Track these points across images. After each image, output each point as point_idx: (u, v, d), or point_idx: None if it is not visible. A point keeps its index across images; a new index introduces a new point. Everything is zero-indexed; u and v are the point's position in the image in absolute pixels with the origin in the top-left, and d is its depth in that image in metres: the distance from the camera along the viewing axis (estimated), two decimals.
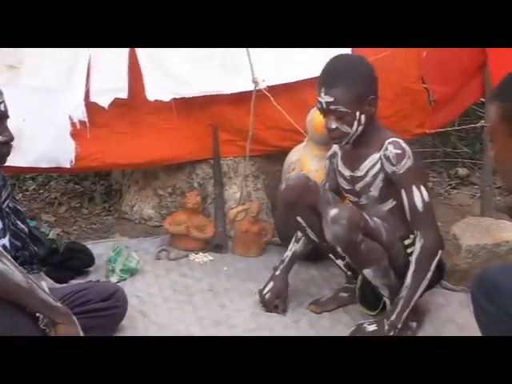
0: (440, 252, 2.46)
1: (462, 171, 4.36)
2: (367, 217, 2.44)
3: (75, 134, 3.28)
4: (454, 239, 2.89)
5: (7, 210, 2.24)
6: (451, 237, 2.90)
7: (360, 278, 2.61)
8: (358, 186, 2.52)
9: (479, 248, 2.82)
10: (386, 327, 2.42)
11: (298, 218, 2.61)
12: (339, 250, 2.42)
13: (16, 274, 1.89)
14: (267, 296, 2.71)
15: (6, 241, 2.15)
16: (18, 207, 2.32)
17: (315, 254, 2.80)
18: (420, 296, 2.47)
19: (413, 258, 2.42)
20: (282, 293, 2.72)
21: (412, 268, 2.42)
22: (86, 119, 3.26)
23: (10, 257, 1.92)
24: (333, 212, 2.37)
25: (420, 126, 3.40)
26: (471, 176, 4.31)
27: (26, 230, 2.30)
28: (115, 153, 3.39)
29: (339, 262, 2.67)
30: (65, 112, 3.25)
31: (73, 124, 3.26)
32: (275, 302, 2.69)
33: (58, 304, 1.98)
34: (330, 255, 2.67)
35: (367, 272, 2.49)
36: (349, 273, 2.70)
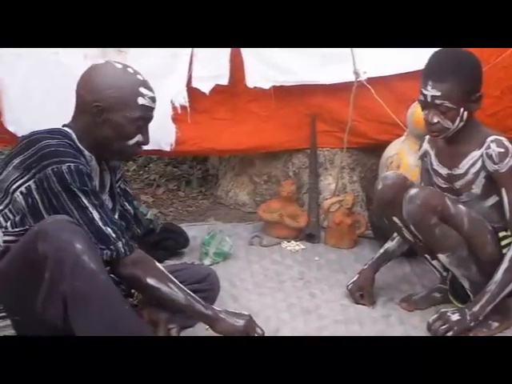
0: None
1: None
2: (450, 203, 2.41)
3: (176, 119, 3.35)
4: None
5: (118, 190, 2.33)
6: None
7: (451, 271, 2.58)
8: (458, 184, 2.48)
9: None
10: (468, 317, 2.41)
11: (394, 218, 2.58)
12: (412, 228, 2.43)
13: (179, 295, 2.10)
14: (349, 287, 2.72)
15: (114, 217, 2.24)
16: (128, 189, 2.40)
17: (410, 251, 2.76)
18: (508, 295, 2.42)
19: (507, 256, 2.40)
20: (364, 286, 2.71)
21: (505, 265, 2.39)
22: (188, 104, 3.32)
23: (174, 279, 2.12)
24: (412, 191, 2.40)
25: None
26: None
27: (132, 211, 2.38)
28: (214, 138, 3.44)
29: (435, 262, 2.63)
30: (167, 97, 3.32)
31: (174, 108, 3.33)
32: (357, 293, 2.69)
33: (210, 312, 2.14)
34: (426, 255, 2.63)
35: (442, 257, 2.48)
36: (444, 273, 2.66)
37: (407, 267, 2.99)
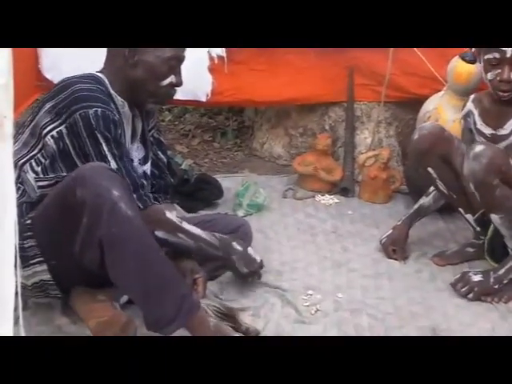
0: None
1: None
2: None
3: (213, 69, 3.34)
4: None
5: (151, 139, 2.34)
6: None
7: (491, 229, 2.54)
8: (502, 145, 2.43)
9: None
10: (492, 279, 2.39)
11: (429, 169, 2.55)
12: (471, 186, 2.35)
13: (188, 243, 2.16)
14: (382, 241, 2.71)
15: (146, 167, 2.26)
16: (161, 139, 2.42)
17: (443, 207, 2.74)
18: None
19: None
20: (398, 241, 2.70)
21: None
22: (225, 55, 3.30)
23: (189, 228, 2.17)
24: (478, 148, 2.31)
25: None
26: None
27: (165, 160, 2.39)
28: (250, 89, 3.43)
29: (468, 216, 2.60)
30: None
31: (211, 59, 3.32)
32: (390, 248, 2.69)
33: (220, 253, 2.24)
34: (460, 209, 2.61)
35: (494, 217, 2.42)
36: (478, 228, 2.63)
37: (441, 223, 2.97)
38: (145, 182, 2.20)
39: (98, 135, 2.01)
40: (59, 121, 2.02)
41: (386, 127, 3.49)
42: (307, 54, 3.33)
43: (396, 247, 2.70)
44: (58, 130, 2.02)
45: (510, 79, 2.32)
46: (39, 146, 2.07)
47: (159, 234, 2.11)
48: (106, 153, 2.03)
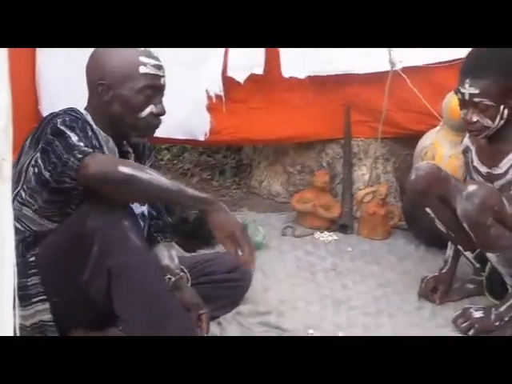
0: None
1: None
2: (506, 203, 2.36)
3: (211, 108, 3.36)
4: None
5: None
6: None
7: (488, 266, 2.54)
8: (498, 184, 2.43)
9: None
10: (493, 316, 2.38)
11: (427, 209, 2.55)
12: (466, 227, 2.35)
13: (161, 178, 1.97)
14: (426, 279, 2.66)
15: (144, 208, 2.25)
16: None
17: (442, 242, 2.73)
18: None
19: None
20: (444, 282, 2.65)
21: None
22: (223, 93, 3.33)
23: (150, 169, 2.05)
24: (470, 188, 2.32)
25: None
26: None
27: None
28: (248, 128, 3.45)
29: (468, 253, 2.59)
30: (202, 86, 3.34)
31: (209, 98, 3.35)
32: (431, 286, 2.64)
33: (206, 195, 2.06)
34: (459, 246, 2.60)
35: (490, 256, 2.42)
36: (477, 265, 2.63)
37: (441, 259, 2.95)
38: (142, 223, 2.19)
39: (63, 127, 1.96)
40: (36, 148, 2.00)
41: (383, 163, 3.50)
42: (304, 92, 3.36)
43: (440, 287, 2.65)
44: (34, 157, 2.00)
45: (471, 121, 2.35)
46: (21, 183, 2.05)
47: (125, 169, 1.95)
48: (73, 139, 1.94)
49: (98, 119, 2.11)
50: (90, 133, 2.03)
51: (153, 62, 2.10)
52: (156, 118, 2.14)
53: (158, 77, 2.12)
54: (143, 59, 2.08)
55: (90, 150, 1.92)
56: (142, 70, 2.08)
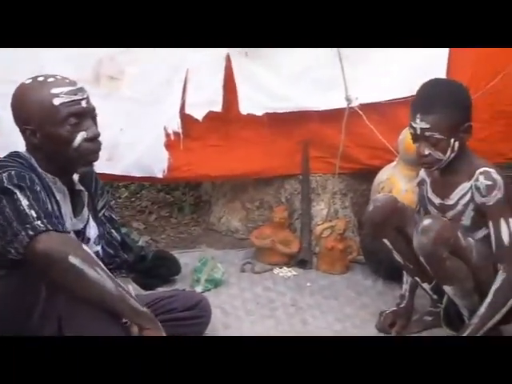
0: None
1: None
2: (461, 235, 2.40)
3: (169, 145, 3.36)
4: None
5: (103, 218, 2.31)
6: None
7: (446, 298, 2.57)
8: (449, 215, 2.47)
9: None
10: None
11: (385, 240, 2.59)
12: (422, 260, 2.39)
13: (108, 281, 1.92)
14: (385, 314, 2.68)
15: (99, 248, 2.21)
16: (113, 216, 2.37)
17: (400, 276, 2.75)
18: (492, 329, 2.41)
19: (492, 289, 2.38)
20: (403, 315, 2.66)
21: (488, 299, 2.38)
22: (181, 131, 3.33)
23: (102, 264, 1.97)
24: (425, 222, 2.36)
25: None
26: None
27: (119, 238, 2.36)
28: (207, 165, 3.45)
29: (425, 285, 2.62)
30: (160, 123, 3.34)
31: (167, 135, 3.35)
32: (390, 321, 2.65)
33: (145, 309, 2.02)
34: (416, 278, 2.63)
35: (447, 288, 2.45)
36: (434, 296, 2.65)
37: (398, 292, 2.97)
38: None
39: (10, 187, 1.90)
40: None
41: (341, 198, 3.53)
42: (262, 129, 3.38)
43: (398, 321, 2.65)
44: None
45: (423, 154, 2.40)
46: None
47: (75, 261, 1.88)
48: (19, 196, 1.90)
49: (40, 160, 2.06)
50: (38, 188, 1.96)
51: (65, 89, 2.03)
52: (92, 142, 2.07)
53: (77, 101, 2.04)
54: (54, 90, 2.02)
55: (43, 228, 1.86)
56: (56, 101, 2.01)
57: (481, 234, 2.45)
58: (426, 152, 2.39)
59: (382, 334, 2.63)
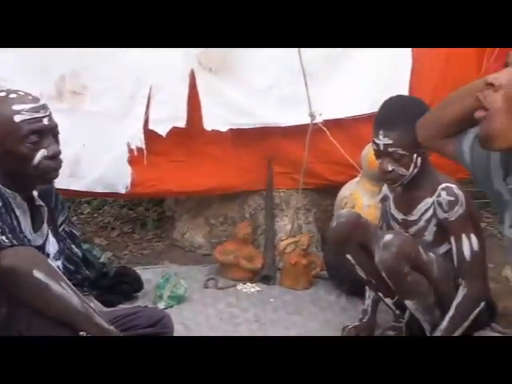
0: (482, 304, 2.42)
1: None
2: (422, 250, 2.42)
3: (132, 161, 3.34)
4: (506, 281, 2.83)
5: (63, 233, 2.28)
6: (502, 279, 2.85)
7: (408, 313, 2.58)
8: (411, 231, 2.50)
9: None
10: None
11: (348, 256, 2.60)
12: (384, 275, 2.41)
13: (74, 298, 1.89)
14: (347, 329, 2.69)
15: (59, 263, 2.18)
16: (74, 231, 2.35)
17: (363, 292, 2.77)
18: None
19: (453, 304, 2.41)
20: (366, 330, 2.69)
21: (450, 313, 2.41)
22: (144, 146, 3.31)
23: (67, 280, 1.93)
24: (387, 237, 2.38)
25: None
26: None
27: (80, 254, 2.32)
28: (171, 180, 3.44)
29: (388, 300, 2.64)
30: (123, 138, 3.32)
31: (130, 151, 3.32)
32: (354, 335, 2.66)
33: (112, 328, 1.98)
34: (379, 293, 2.64)
35: (408, 303, 2.47)
36: (397, 311, 2.67)
37: (361, 307, 2.98)
38: None
39: None
40: None
41: (304, 214, 3.54)
42: (226, 145, 3.38)
43: (362, 335, 2.66)
44: None
45: (386, 170, 2.42)
46: None
47: (39, 275, 1.87)
48: None
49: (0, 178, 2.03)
50: (0, 203, 1.95)
51: (27, 106, 2.00)
52: (53, 160, 2.03)
53: (39, 119, 2.01)
54: (16, 107, 1.99)
55: (8, 243, 1.84)
56: (18, 118, 1.98)
57: (443, 249, 2.48)
58: (390, 168, 2.41)
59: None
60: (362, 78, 3.31)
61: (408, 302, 2.46)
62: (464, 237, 2.39)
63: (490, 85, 1.52)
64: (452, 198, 2.39)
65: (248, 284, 3.24)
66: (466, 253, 2.40)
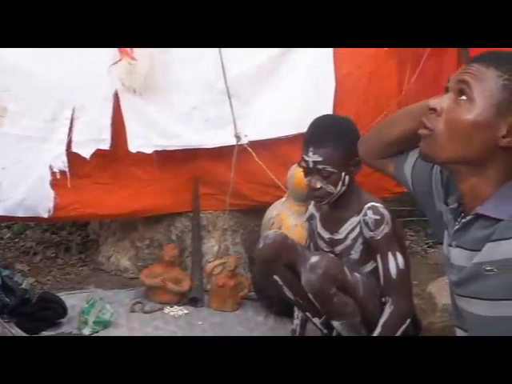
0: (408, 321, 2.45)
1: None
2: (347, 271, 2.44)
3: (55, 184, 3.27)
4: (430, 298, 2.88)
5: None
6: (427, 295, 2.89)
7: (335, 333, 2.60)
8: (338, 249, 2.52)
9: None
10: None
11: (275, 277, 2.60)
12: (310, 296, 2.41)
13: None
14: None
15: None
16: None
17: (291, 312, 2.77)
18: None
19: (380, 321, 2.42)
20: None
21: (377, 331, 2.41)
22: (67, 169, 3.25)
23: None
24: (313, 259, 2.38)
25: (399, 185, 3.40)
26: None
27: (0, 281, 2.26)
28: (95, 203, 3.38)
29: (315, 320, 2.64)
30: (45, 161, 3.25)
31: (53, 173, 3.26)
32: None
33: None
34: (307, 313, 2.65)
35: (335, 323, 2.48)
36: (325, 331, 2.68)
37: (290, 327, 2.99)
38: None
39: None
40: None
41: (231, 235, 3.53)
42: (151, 167, 3.35)
43: None
44: None
45: (314, 187, 2.45)
46: None
47: None
48: None
49: None
50: None
51: None
52: None
53: None
54: None
55: None
56: None
57: (369, 267, 2.50)
58: (318, 185, 2.43)
59: None
60: (287, 99, 3.34)
61: (335, 323, 2.47)
62: (390, 255, 2.42)
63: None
64: (378, 217, 2.42)
65: (175, 307, 3.20)
66: (392, 271, 2.42)
